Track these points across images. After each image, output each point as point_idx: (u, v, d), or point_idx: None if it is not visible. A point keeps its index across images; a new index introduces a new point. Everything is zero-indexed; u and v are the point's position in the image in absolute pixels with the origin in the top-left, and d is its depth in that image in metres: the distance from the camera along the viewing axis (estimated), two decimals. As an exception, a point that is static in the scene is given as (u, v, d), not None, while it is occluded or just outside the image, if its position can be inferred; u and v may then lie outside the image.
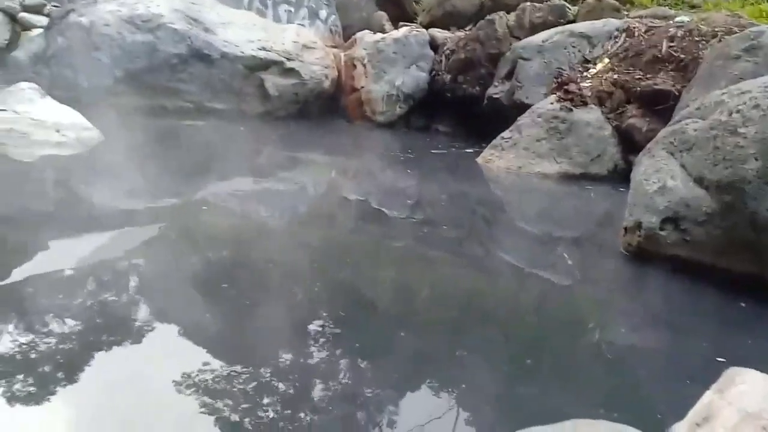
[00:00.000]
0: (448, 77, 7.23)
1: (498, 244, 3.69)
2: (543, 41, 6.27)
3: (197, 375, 1.76)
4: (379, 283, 2.81)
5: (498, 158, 5.37)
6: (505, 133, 5.52)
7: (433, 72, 7.41)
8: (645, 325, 2.56)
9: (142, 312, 2.20)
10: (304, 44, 7.02)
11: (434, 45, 7.59)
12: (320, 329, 2.18)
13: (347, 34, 8.40)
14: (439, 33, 7.72)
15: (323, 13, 8.17)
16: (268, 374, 1.81)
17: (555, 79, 5.79)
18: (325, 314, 2.33)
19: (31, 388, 1.63)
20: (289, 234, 3.38)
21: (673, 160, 2.99)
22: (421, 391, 1.88)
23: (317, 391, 1.78)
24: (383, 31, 8.07)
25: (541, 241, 3.69)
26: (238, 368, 1.82)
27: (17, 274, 2.32)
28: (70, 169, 4.20)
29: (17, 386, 1.63)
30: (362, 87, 7.34)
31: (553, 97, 5.44)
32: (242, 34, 6.55)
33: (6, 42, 7.83)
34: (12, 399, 1.58)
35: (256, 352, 1.97)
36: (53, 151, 4.30)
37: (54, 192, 3.73)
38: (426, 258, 3.18)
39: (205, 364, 1.83)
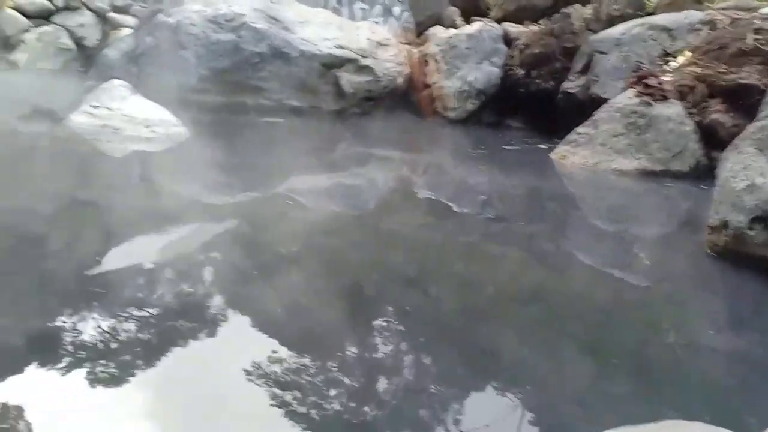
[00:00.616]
0: (521, 72, 7.16)
1: (571, 242, 3.63)
2: (621, 34, 6.13)
3: (267, 366, 1.82)
4: (447, 278, 2.81)
5: (573, 154, 5.29)
6: (581, 128, 5.43)
7: (506, 67, 7.35)
8: (731, 328, 2.49)
9: (218, 302, 2.27)
10: (378, 41, 7.12)
11: (507, 39, 7.52)
12: (386, 324, 2.21)
13: (419, 30, 8.44)
14: (512, 27, 7.64)
15: (397, 10, 8.24)
16: (335, 367, 1.86)
17: (633, 73, 5.64)
18: (391, 309, 2.35)
19: (112, 373, 1.72)
20: (359, 229, 3.44)
21: (762, 157, 2.90)
22: (491, 389, 1.88)
23: (382, 386, 1.82)
24: (455, 27, 8.06)
25: (617, 239, 3.62)
26: (306, 360, 1.87)
27: (103, 265, 2.44)
28: (158, 164, 4.42)
29: (99, 370, 1.73)
30: (434, 83, 7.37)
31: (631, 92, 5.31)
32: (319, 32, 6.71)
33: (98, 41, 8.26)
34: (94, 382, 1.67)
35: (323, 345, 2.02)
36: (143, 146, 4.54)
37: (142, 186, 3.93)
38: (495, 254, 3.17)
39: (274, 353, 1.89)
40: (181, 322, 2.10)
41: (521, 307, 2.51)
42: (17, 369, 1.69)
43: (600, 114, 5.36)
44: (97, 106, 4.60)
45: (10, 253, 2.56)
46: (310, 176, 4.58)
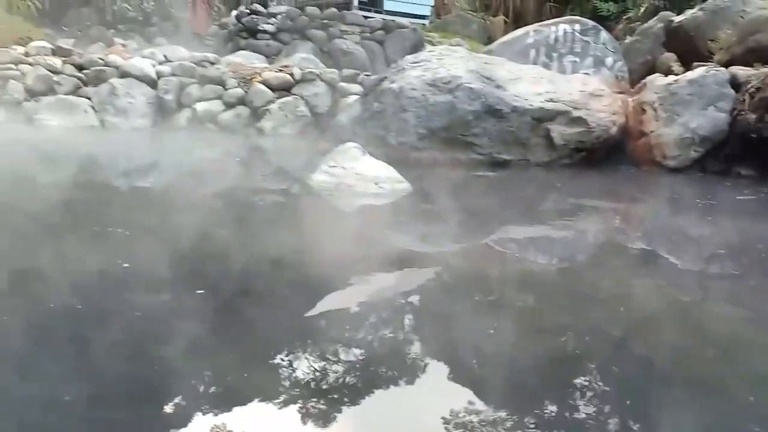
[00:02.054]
0: (752, 117, 6.63)
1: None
2: None
3: (464, 415, 1.84)
4: (661, 339, 2.60)
5: (820, 205, 4.77)
6: (829, 177, 4.89)
7: (735, 112, 6.86)
8: None
9: (419, 348, 2.37)
10: (590, 92, 7.11)
11: (735, 83, 7.04)
12: (588, 383, 2.13)
13: (634, 78, 8.25)
14: (740, 71, 7.14)
15: (609, 60, 8.16)
16: (533, 424, 1.83)
17: None
18: (593, 367, 2.27)
19: (321, 410, 1.87)
20: (564, 283, 3.35)
21: None
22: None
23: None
24: (671, 73, 7.75)
25: None
26: (503, 413, 1.87)
27: (318, 307, 2.64)
28: (381, 217, 4.84)
29: (310, 408, 1.87)
30: (652, 131, 7.10)
31: None
32: (530, 87, 6.91)
33: (327, 108, 9.32)
34: (305, 418, 1.83)
35: (522, 400, 2.00)
36: (371, 201, 5.01)
37: (363, 236, 4.31)
38: (720, 316, 2.90)
39: (471, 404, 1.90)
40: (383, 366, 2.22)
41: (745, 379, 2.24)
42: (240, 402, 1.90)
43: None
44: (334, 166, 5.22)
45: (241, 293, 2.94)
46: (517, 227, 4.64)
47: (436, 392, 2.06)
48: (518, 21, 14.26)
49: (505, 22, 15.00)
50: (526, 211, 5.30)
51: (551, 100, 6.86)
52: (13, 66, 8.84)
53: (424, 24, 14.05)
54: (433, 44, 12.30)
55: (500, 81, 6.85)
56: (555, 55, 8.12)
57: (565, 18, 8.84)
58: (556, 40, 8.29)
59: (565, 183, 6.56)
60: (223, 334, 2.43)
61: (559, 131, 6.85)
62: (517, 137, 6.77)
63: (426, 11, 14.26)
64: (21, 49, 9.33)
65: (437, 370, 2.22)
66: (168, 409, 1.84)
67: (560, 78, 7.48)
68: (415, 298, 2.98)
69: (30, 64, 8.93)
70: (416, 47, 11.78)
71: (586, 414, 1.92)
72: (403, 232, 4.33)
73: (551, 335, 2.60)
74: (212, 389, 2.00)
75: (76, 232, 3.90)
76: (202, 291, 2.80)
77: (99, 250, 3.44)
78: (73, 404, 1.84)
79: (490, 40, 12.90)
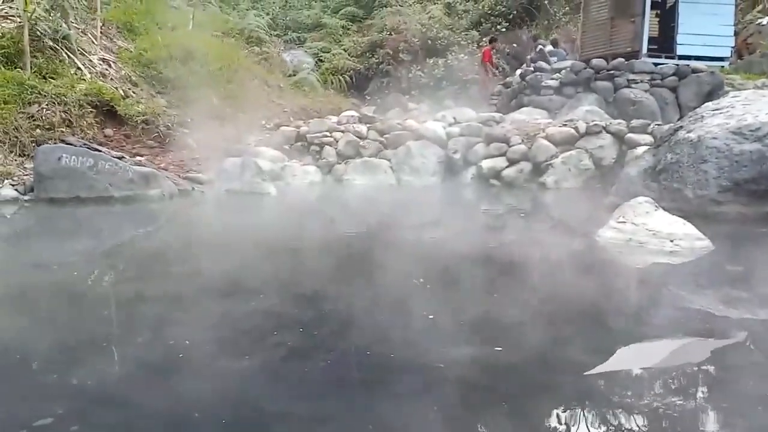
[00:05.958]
0: None
1: None
2: None
3: None
4: None
5: None
6: None
7: None
8: None
9: (711, 426, 2.18)
10: None
11: None
12: None
13: None
14: None
15: None
16: None
17: None
18: None
19: None
20: None
21: None
22: None
23: None
24: None
25: None
26: None
27: (599, 367, 2.55)
28: (676, 276, 4.46)
29: None
30: None
31: None
32: None
33: (614, 160, 9.05)
34: None
35: None
36: (664, 259, 4.67)
37: (654, 296, 4.01)
38: None
39: None
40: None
41: None
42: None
43: None
44: (623, 222, 5.02)
45: (520, 346, 2.94)
46: None
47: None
48: None
49: (828, 56, 12.96)
50: None
51: None
52: (328, 133, 10.39)
53: (723, 66, 12.83)
54: (734, 87, 11.19)
55: (825, 123, 5.92)
56: None
57: None
58: None
59: None
60: (499, 389, 2.49)
61: None
62: None
63: (725, 53, 12.96)
64: (334, 118, 10.93)
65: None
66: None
67: None
68: (710, 368, 2.73)
69: (341, 131, 10.39)
70: (714, 92, 10.84)
71: None
72: (701, 295, 4.00)
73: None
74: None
75: (370, 280, 4.34)
76: (500, 348, 2.89)
77: (394, 300, 3.81)
78: None
79: (807, 79, 11.27)
